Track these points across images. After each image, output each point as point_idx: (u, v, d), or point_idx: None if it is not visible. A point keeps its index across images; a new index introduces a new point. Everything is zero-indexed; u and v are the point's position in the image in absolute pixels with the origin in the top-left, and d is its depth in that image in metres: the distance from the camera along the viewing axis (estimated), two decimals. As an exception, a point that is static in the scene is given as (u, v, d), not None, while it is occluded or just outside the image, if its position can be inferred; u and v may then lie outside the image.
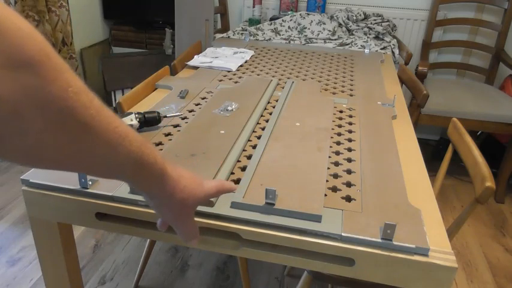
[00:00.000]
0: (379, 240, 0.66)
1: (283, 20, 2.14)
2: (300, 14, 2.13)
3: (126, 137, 0.44)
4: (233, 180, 0.80)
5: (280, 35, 2.07)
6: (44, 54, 0.35)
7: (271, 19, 2.24)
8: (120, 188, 0.75)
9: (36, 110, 0.35)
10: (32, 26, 0.35)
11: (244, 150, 0.92)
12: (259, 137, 0.98)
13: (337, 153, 0.92)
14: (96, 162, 0.43)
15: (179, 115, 1.07)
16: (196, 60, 1.55)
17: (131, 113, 0.96)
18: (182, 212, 0.55)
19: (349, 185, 0.80)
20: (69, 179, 0.77)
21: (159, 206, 0.54)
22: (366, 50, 1.84)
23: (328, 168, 0.86)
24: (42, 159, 0.39)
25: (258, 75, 1.44)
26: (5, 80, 0.33)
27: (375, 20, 2.12)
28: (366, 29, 2.08)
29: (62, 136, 0.38)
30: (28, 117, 0.35)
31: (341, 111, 1.15)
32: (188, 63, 1.53)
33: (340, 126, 1.06)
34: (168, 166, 0.52)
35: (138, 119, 0.95)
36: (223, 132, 0.97)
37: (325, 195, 0.77)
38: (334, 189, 0.79)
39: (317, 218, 0.69)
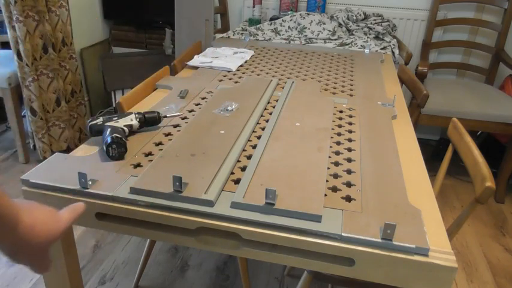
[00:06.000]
0: (379, 240, 0.66)
1: (283, 20, 2.14)
2: (300, 14, 2.13)
3: None
4: (233, 181, 0.80)
5: (280, 35, 2.07)
6: None
7: (271, 19, 2.24)
8: (120, 188, 0.75)
9: None
10: None
11: (244, 150, 0.92)
12: (259, 137, 0.97)
13: (337, 153, 0.92)
14: None
15: (179, 115, 1.07)
16: (196, 60, 1.55)
17: (131, 113, 0.96)
18: (38, 254, 0.54)
19: (349, 185, 0.80)
20: (69, 179, 0.77)
21: (14, 255, 0.53)
22: (366, 50, 1.84)
23: (328, 168, 0.86)
24: None
25: (258, 75, 1.44)
26: None
27: (374, 20, 2.12)
28: (366, 29, 2.08)
29: None
30: None
31: (341, 111, 1.15)
32: (188, 63, 1.53)
33: (340, 126, 1.06)
34: (24, 214, 0.51)
35: (138, 119, 0.95)
36: (223, 132, 0.97)
37: (325, 195, 0.77)
38: (334, 189, 0.79)
39: (317, 218, 0.69)
